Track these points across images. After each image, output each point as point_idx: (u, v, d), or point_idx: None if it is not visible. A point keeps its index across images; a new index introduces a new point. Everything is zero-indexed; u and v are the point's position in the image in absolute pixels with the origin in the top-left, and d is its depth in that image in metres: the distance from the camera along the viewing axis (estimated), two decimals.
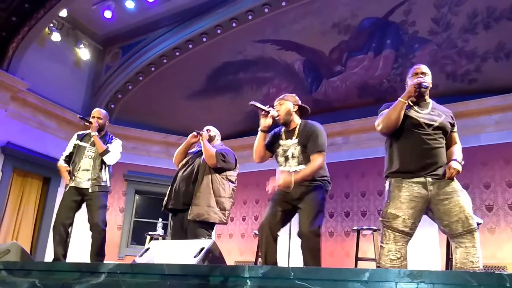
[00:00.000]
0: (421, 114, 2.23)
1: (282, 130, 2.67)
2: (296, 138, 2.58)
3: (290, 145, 2.58)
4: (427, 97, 2.30)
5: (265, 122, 2.59)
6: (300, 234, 2.44)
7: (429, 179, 2.11)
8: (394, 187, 2.17)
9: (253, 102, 2.61)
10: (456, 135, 2.33)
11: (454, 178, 2.13)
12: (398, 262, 2.05)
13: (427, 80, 2.27)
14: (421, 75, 2.28)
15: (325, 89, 6.68)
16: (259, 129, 2.62)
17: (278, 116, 2.61)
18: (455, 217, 2.02)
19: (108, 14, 6.05)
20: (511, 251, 4.92)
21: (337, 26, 5.97)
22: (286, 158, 2.58)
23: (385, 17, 5.73)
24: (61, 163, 3.46)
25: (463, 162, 2.19)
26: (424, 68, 2.33)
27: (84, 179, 3.36)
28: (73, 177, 3.37)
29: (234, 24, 6.10)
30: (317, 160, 2.49)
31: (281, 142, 2.63)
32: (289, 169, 2.55)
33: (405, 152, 2.20)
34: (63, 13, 6.00)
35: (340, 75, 6.48)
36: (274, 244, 2.47)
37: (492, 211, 5.24)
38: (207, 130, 3.25)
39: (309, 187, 2.48)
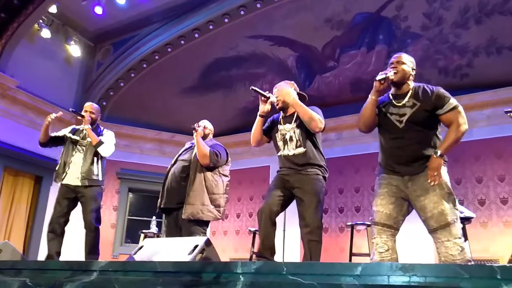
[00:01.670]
0: (393, 109, 2.17)
1: (281, 116, 2.73)
2: (295, 121, 2.62)
3: (289, 129, 2.63)
4: (408, 84, 2.19)
5: (264, 107, 2.66)
6: (302, 226, 2.47)
7: (406, 177, 2.11)
8: (377, 185, 2.22)
9: (253, 87, 2.68)
10: (448, 116, 2.10)
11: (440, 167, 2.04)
12: (387, 255, 2.05)
13: (405, 68, 2.16)
14: (393, 65, 2.19)
15: (318, 85, 6.67)
16: (258, 114, 2.68)
17: (277, 102, 2.66)
18: (429, 213, 2.02)
19: (98, 10, 5.97)
20: (503, 244, 4.97)
21: (330, 21, 5.96)
22: (285, 142, 2.62)
23: (378, 12, 5.73)
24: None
25: (438, 152, 2.04)
26: (401, 57, 2.22)
27: (75, 176, 3.32)
28: (64, 176, 3.33)
29: (226, 20, 6.06)
30: (319, 117, 2.55)
31: (279, 127, 2.69)
32: (288, 153, 2.60)
33: (382, 150, 2.23)
34: (53, 9, 5.91)
35: (333, 70, 6.48)
36: (272, 228, 2.51)
37: (485, 205, 5.29)
38: (204, 127, 3.22)
39: (308, 175, 2.52)
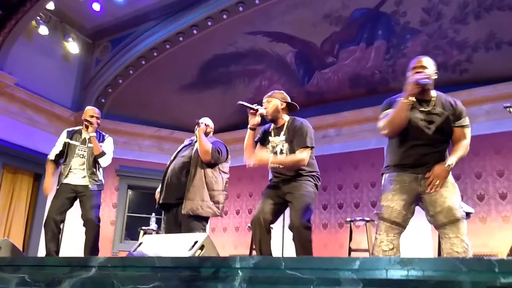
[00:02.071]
0: (420, 116, 2.12)
1: (272, 126, 2.71)
2: (284, 135, 2.62)
3: (278, 142, 2.63)
4: (431, 89, 2.17)
5: (253, 120, 2.63)
6: (291, 227, 2.48)
7: (421, 175, 2.11)
8: (387, 181, 2.19)
9: (241, 102, 2.65)
10: (460, 130, 2.15)
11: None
12: (391, 253, 2.05)
13: (429, 73, 2.13)
14: (420, 69, 2.13)
15: (317, 81, 6.66)
16: (248, 127, 2.65)
17: (266, 113, 2.64)
18: (439, 208, 2.03)
19: (96, 6, 5.95)
20: (502, 239, 4.98)
21: (329, 17, 5.94)
22: (275, 154, 2.62)
23: (376, 7, 5.71)
24: (50, 163, 3.39)
25: (452, 164, 2.07)
26: (424, 60, 2.18)
27: (78, 177, 3.33)
28: (66, 175, 3.33)
29: (224, 16, 6.04)
30: (300, 154, 2.51)
31: (270, 138, 2.68)
32: (282, 166, 2.58)
33: (401, 153, 2.17)
34: (50, 5, 5.88)
35: (332, 66, 6.47)
36: (267, 236, 2.51)
37: (484, 200, 5.30)
38: (205, 125, 3.20)
39: (299, 182, 2.53)
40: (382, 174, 2.28)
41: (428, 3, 5.47)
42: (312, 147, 2.57)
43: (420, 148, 2.12)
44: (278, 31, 6.26)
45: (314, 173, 2.60)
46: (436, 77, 2.20)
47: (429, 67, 2.17)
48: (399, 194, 2.10)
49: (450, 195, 2.04)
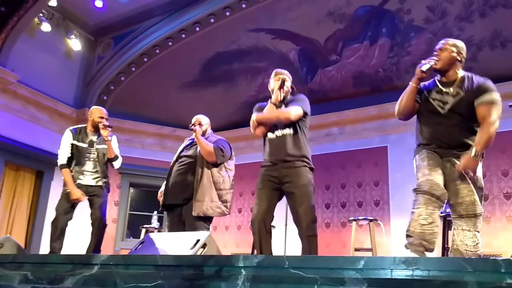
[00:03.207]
0: (436, 95, 2.18)
1: (269, 101, 2.69)
2: (285, 106, 2.62)
3: None
4: (456, 72, 2.18)
5: (280, 94, 2.61)
6: (297, 222, 2.42)
7: (445, 158, 2.12)
8: (419, 160, 2.18)
9: (277, 70, 2.73)
10: (482, 108, 2.07)
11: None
12: (429, 228, 1.95)
13: (448, 56, 2.15)
14: (437, 53, 2.20)
15: (321, 79, 6.63)
16: (273, 102, 2.60)
17: (286, 91, 2.66)
18: (461, 199, 2.03)
19: (99, 3, 5.94)
20: (506, 239, 4.95)
21: (332, 14, 5.90)
22: (275, 126, 2.60)
23: (381, 5, 5.67)
24: (65, 169, 3.32)
25: (477, 153, 2.02)
26: (446, 43, 2.19)
27: (88, 178, 3.33)
28: (76, 177, 3.32)
29: (227, 13, 6.02)
30: (288, 108, 2.54)
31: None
32: (278, 134, 2.59)
33: (424, 133, 2.23)
34: (53, 2, 5.88)
35: (335, 64, 6.43)
36: (268, 236, 2.47)
37: (488, 200, 5.26)
38: (199, 124, 3.15)
39: (296, 168, 2.47)
40: (415, 155, 2.26)
41: (433, 1, 5.42)
42: (306, 113, 2.56)
43: (438, 127, 2.16)
44: (281, 28, 6.23)
45: (307, 154, 2.55)
46: (459, 58, 2.19)
47: (451, 49, 2.17)
48: (436, 168, 2.09)
49: (475, 190, 2.04)
